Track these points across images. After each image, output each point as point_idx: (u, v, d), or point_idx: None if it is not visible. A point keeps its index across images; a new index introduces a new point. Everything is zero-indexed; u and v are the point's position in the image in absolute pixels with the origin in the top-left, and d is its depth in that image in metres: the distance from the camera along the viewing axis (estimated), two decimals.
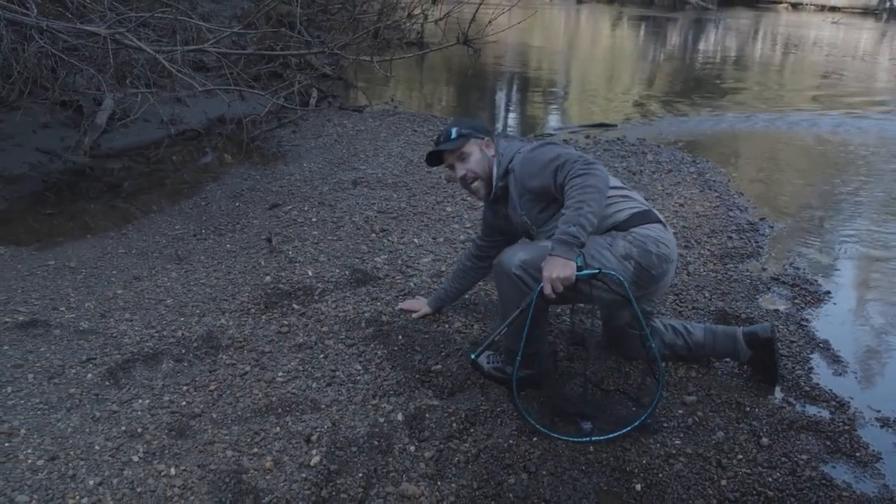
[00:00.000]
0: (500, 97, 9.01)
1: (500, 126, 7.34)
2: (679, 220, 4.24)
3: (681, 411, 2.47)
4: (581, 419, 2.33)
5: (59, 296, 3.27)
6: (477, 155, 2.56)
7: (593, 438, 2.27)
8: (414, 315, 3.02)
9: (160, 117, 5.66)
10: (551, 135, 6.56)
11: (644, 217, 2.39)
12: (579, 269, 2.17)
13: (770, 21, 16.73)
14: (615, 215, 2.38)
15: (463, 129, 2.57)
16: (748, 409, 2.50)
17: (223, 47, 5.18)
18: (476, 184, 2.59)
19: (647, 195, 4.65)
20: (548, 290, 2.16)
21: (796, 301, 3.38)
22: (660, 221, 2.42)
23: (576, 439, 2.27)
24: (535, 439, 2.28)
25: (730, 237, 4.05)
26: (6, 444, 2.25)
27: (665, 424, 2.39)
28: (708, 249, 3.86)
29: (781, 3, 18.81)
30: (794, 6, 18.65)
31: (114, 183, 5.05)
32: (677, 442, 2.31)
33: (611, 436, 2.27)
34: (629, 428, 2.27)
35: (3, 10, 4.21)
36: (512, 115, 8.05)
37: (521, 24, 7.21)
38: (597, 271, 2.21)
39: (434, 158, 2.65)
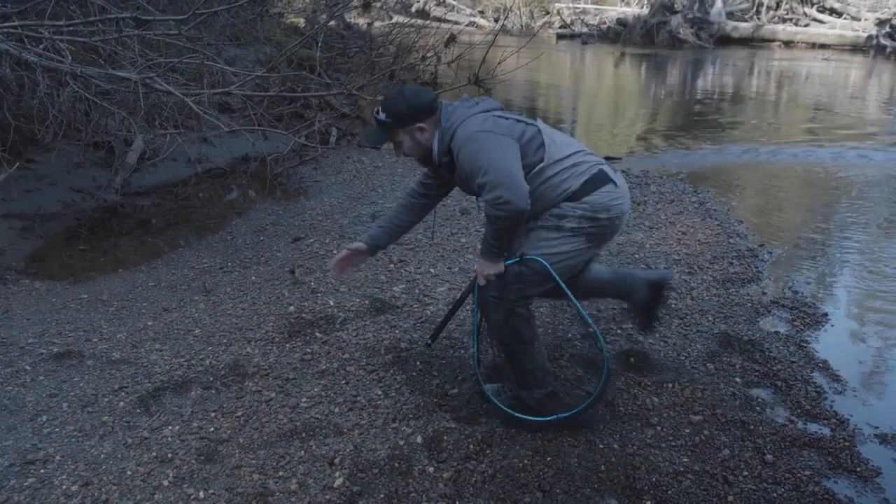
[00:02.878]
0: None
1: None
2: (682, 248, 4.31)
3: (688, 430, 2.53)
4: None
5: (92, 328, 3.40)
6: (408, 143, 2.44)
7: (559, 416, 2.45)
8: (354, 264, 2.77)
9: (188, 156, 5.85)
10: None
11: (594, 183, 2.42)
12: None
13: (764, 58, 16.93)
14: (567, 188, 2.40)
15: (390, 115, 2.39)
16: (752, 427, 2.56)
17: (247, 90, 5.38)
18: (416, 158, 2.52)
19: (652, 224, 4.75)
20: (481, 281, 2.38)
21: (796, 323, 3.44)
22: (611, 181, 2.46)
23: (541, 419, 2.45)
24: (548, 459, 2.34)
25: (731, 263, 4.11)
26: (42, 471, 2.35)
27: (673, 443, 2.46)
28: (710, 275, 3.93)
29: (774, 41, 19.11)
30: (787, 44, 18.89)
31: (144, 219, 5.22)
32: (685, 459, 2.37)
33: (567, 413, 2.45)
34: (581, 407, 2.45)
35: (40, 57, 4.43)
36: None
37: (529, 65, 7.36)
38: (518, 258, 2.37)
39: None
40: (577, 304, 2.42)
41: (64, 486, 2.28)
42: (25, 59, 4.32)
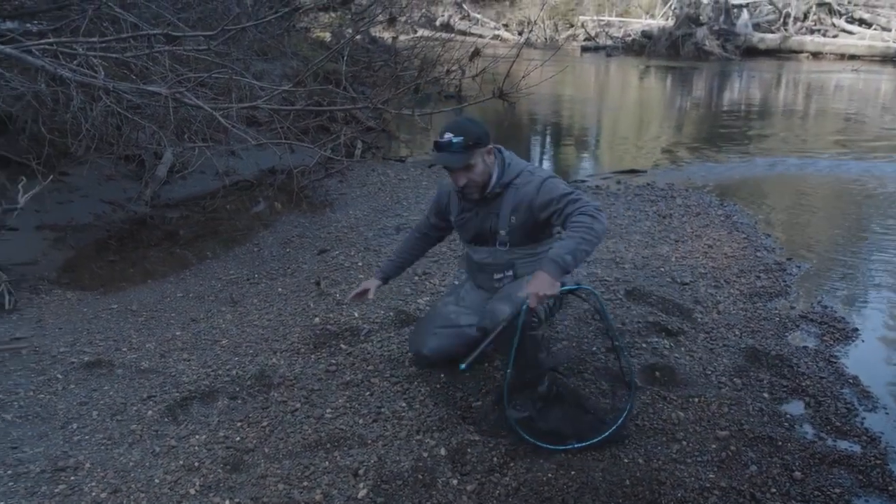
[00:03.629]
0: (536, 146, 9.20)
1: None
2: (708, 261, 4.27)
3: (714, 445, 2.49)
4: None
5: (121, 337, 3.46)
6: (480, 167, 2.55)
7: (575, 445, 2.43)
8: (368, 295, 2.91)
9: (216, 169, 5.95)
10: (584, 181, 6.65)
11: None
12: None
13: (792, 69, 16.74)
14: None
15: (470, 139, 2.49)
16: (780, 443, 2.52)
17: (274, 104, 5.45)
18: (470, 188, 2.59)
19: (678, 237, 4.72)
20: (533, 303, 2.30)
21: (825, 338, 3.39)
22: None
23: (560, 447, 2.43)
24: (573, 473, 2.32)
25: (758, 277, 4.06)
26: (72, 478, 2.40)
27: (699, 458, 2.43)
28: (737, 289, 3.88)
29: (802, 52, 18.86)
30: (815, 55, 18.64)
31: (172, 231, 5.31)
32: (711, 475, 2.33)
33: (588, 443, 2.43)
34: (607, 434, 2.45)
35: (74, 73, 4.54)
36: (546, 163, 8.20)
37: (554, 78, 7.39)
38: (576, 287, 2.46)
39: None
40: (614, 331, 2.46)
41: (93, 494, 2.31)
42: (60, 75, 4.43)
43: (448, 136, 2.48)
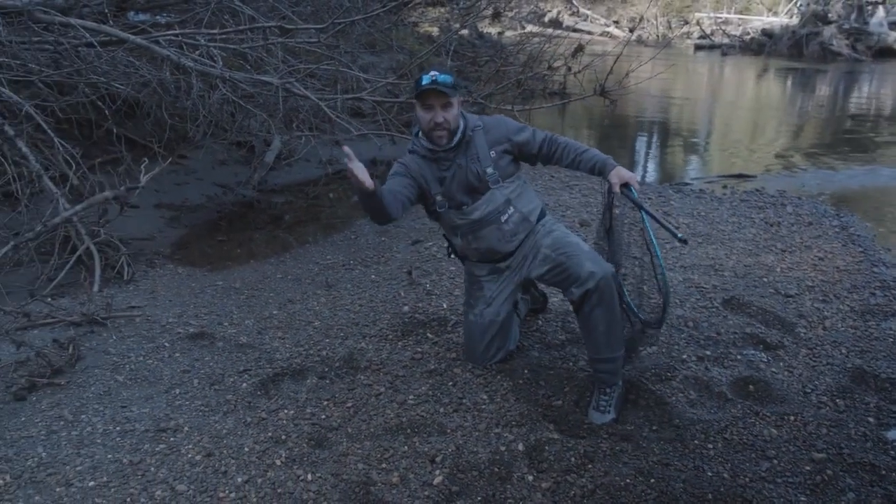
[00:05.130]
0: (640, 145, 8.93)
1: (640, 172, 7.28)
2: (817, 274, 4.01)
3: (808, 467, 2.35)
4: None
5: (224, 312, 3.66)
6: (455, 110, 2.69)
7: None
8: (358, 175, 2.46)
9: (319, 158, 6.17)
10: (688, 184, 6.41)
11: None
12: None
13: None
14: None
15: (454, 82, 2.65)
16: (884, 472, 2.33)
17: (378, 95, 5.59)
18: (441, 132, 2.68)
19: (785, 246, 4.47)
20: (629, 181, 2.63)
21: None
22: None
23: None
24: (652, 481, 2.26)
25: (872, 293, 3.77)
26: (172, 439, 2.57)
27: (790, 479, 2.31)
28: (847, 305, 3.62)
29: None
30: None
31: (277, 215, 5.56)
32: (803, 498, 2.21)
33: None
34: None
35: (196, 62, 4.83)
36: (651, 163, 7.95)
37: (663, 77, 7.14)
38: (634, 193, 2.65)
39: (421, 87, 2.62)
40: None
41: (189, 455, 2.47)
42: (183, 64, 4.73)
43: (433, 73, 2.61)
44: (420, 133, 2.79)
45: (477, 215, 2.77)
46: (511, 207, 2.77)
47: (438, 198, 2.79)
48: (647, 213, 2.55)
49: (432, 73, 2.61)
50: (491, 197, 2.75)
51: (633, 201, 2.62)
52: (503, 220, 2.77)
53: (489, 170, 2.73)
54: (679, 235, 2.42)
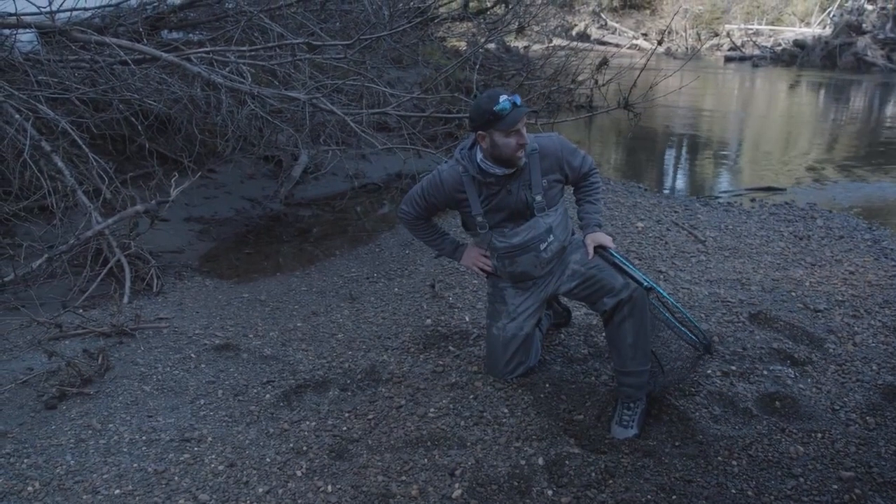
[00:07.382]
0: (669, 158, 8.86)
1: (667, 185, 7.22)
2: (848, 288, 3.93)
3: (836, 486, 2.30)
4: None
5: (249, 324, 3.71)
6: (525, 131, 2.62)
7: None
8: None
9: (346, 172, 6.24)
10: (716, 197, 6.34)
11: None
12: None
13: None
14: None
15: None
16: None
17: (403, 110, 5.65)
18: (523, 151, 2.60)
19: (815, 260, 4.39)
20: (604, 244, 2.71)
21: None
22: None
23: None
24: (674, 498, 2.23)
25: None
26: (196, 449, 2.60)
27: (817, 498, 2.26)
28: (879, 320, 3.54)
29: None
30: None
31: (303, 228, 5.63)
32: None
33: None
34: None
35: (226, 79, 4.94)
36: (680, 176, 7.88)
37: (688, 88, 7.08)
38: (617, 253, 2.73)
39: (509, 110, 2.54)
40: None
41: (212, 465, 2.50)
42: (213, 81, 4.84)
43: (504, 96, 2.50)
44: (481, 156, 2.65)
45: (518, 241, 2.76)
46: (551, 236, 2.74)
47: (479, 219, 2.79)
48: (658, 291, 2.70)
49: (502, 95, 2.50)
50: (534, 224, 2.73)
51: (613, 264, 2.67)
52: (542, 248, 2.75)
53: (538, 198, 2.70)
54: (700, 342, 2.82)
